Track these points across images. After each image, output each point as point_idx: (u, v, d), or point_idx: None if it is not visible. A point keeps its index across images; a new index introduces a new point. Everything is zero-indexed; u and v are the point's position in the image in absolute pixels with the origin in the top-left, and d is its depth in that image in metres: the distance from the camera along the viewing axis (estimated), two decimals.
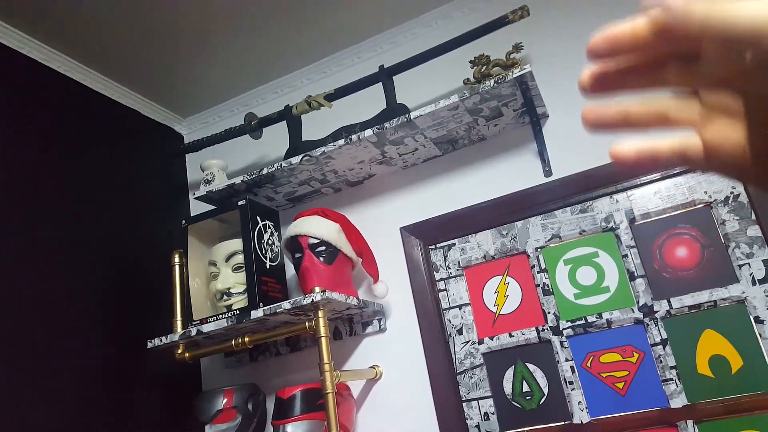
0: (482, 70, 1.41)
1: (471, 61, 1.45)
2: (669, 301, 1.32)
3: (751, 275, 1.27)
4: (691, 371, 1.28)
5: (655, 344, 1.32)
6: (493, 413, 1.43)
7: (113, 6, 1.51)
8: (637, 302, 1.36)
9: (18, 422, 1.25)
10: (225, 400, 1.49)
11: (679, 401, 1.27)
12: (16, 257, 1.36)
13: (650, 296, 1.35)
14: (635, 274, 1.37)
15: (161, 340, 1.46)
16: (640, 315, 1.34)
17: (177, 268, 1.57)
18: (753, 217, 1.30)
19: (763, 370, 1.23)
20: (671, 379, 1.29)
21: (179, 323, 1.52)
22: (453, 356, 1.51)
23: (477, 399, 1.46)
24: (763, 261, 1.27)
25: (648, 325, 1.33)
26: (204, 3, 1.55)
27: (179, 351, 1.48)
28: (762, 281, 1.26)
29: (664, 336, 1.31)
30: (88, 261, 1.55)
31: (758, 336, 1.24)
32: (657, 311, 1.33)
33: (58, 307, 1.42)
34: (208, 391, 1.53)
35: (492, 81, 1.34)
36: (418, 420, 1.49)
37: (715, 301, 1.29)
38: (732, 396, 1.24)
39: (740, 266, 1.28)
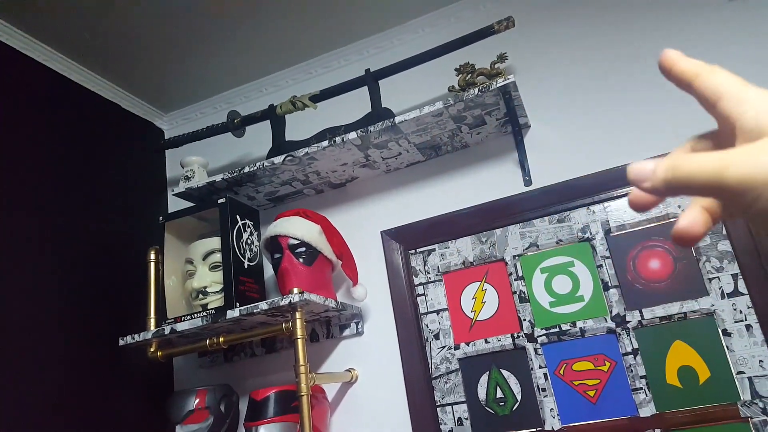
0: (467, 79, 1.42)
1: (456, 69, 1.46)
2: (641, 312, 1.35)
3: (720, 289, 1.31)
4: (661, 381, 1.31)
5: (627, 354, 1.34)
6: (466, 419, 1.44)
7: None
8: (610, 312, 1.38)
9: None
10: (197, 401, 1.46)
11: (648, 410, 1.30)
12: None
13: (623, 306, 1.37)
14: (609, 284, 1.40)
15: (133, 338, 1.44)
16: (612, 324, 1.37)
17: (153, 265, 1.55)
18: (724, 232, 1.34)
19: (729, 381, 1.26)
20: (641, 389, 1.31)
21: (153, 321, 1.50)
22: (429, 361, 1.51)
23: (451, 404, 1.46)
24: (732, 275, 1.30)
25: (620, 334, 1.36)
26: None
27: (152, 349, 1.46)
28: (731, 295, 1.29)
29: (636, 346, 1.34)
30: (61, 255, 1.51)
31: (725, 348, 1.28)
32: (629, 321, 1.36)
33: (27, 301, 1.39)
34: (180, 390, 1.51)
35: (476, 89, 1.35)
36: (393, 424, 1.49)
37: (685, 313, 1.32)
38: (699, 406, 1.27)
39: (710, 280, 1.32)
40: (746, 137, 0.27)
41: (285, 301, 1.30)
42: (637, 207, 0.32)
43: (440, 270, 1.57)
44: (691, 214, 0.30)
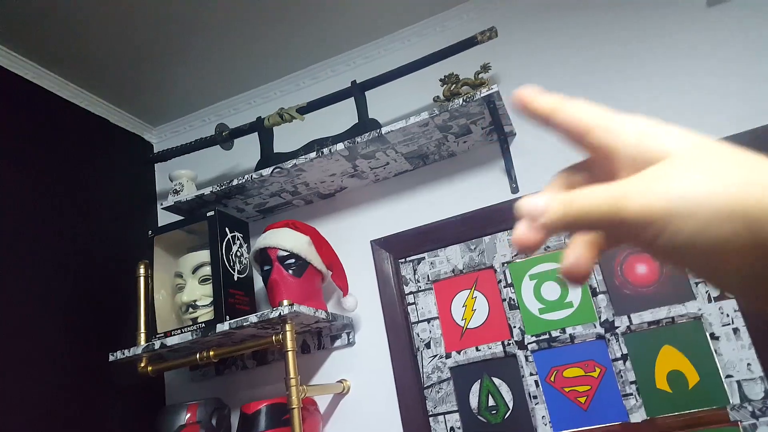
0: (452, 89, 1.44)
1: (441, 80, 1.47)
2: (629, 317, 1.36)
3: (707, 293, 1.31)
4: (651, 386, 1.31)
5: (616, 359, 1.35)
6: (459, 428, 1.44)
7: (83, 12, 1.49)
8: (599, 318, 1.39)
9: None
10: (188, 415, 1.46)
11: (638, 416, 1.30)
12: None
13: (611, 312, 1.38)
14: (597, 290, 1.40)
15: (123, 353, 1.43)
16: (601, 330, 1.37)
17: (142, 279, 1.54)
18: None
19: (718, 385, 1.27)
20: (631, 394, 1.32)
21: (143, 336, 1.49)
22: (421, 370, 1.51)
23: (443, 413, 1.46)
24: None
25: (609, 340, 1.36)
26: (177, 11, 1.55)
27: (142, 364, 1.45)
28: (717, 299, 1.30)
29: (625, 351, 1.34)
30: (51, 270, 1.51)
31: (714, 352, 1.28)
32: (618, 327, 1.36)
33: (17, 317, 1.38)
34: (171, 405, 1.50)
35: (461, 99, 1.36)
36: None
37: (673, 318, 1.33)
38: (689, 411, 1.27)
39: (696, 284, 1.33)
40: (630, 166, 0.26)
41: (275, 314, 1.30)
42: (524, 247, 0.27)
43: (430, 278, 1.57)
44: (576, 251, 0.28)
